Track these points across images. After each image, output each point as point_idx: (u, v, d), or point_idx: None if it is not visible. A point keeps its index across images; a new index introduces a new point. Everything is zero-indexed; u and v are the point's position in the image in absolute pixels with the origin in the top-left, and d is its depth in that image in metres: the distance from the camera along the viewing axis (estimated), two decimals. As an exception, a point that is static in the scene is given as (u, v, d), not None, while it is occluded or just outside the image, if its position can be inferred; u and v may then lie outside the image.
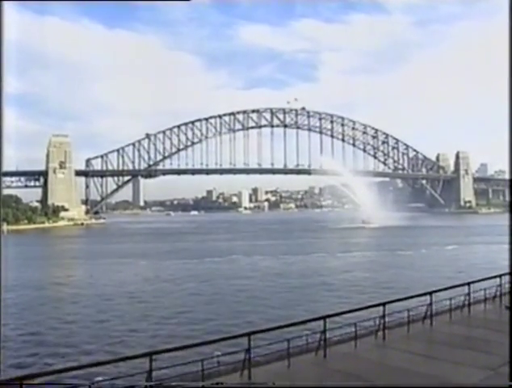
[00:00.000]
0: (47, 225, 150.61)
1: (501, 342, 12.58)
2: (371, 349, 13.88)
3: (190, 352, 11.89)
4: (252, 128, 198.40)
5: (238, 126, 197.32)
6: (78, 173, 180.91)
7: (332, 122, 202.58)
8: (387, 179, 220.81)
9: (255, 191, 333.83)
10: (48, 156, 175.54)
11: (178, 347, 12.07)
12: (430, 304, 16.16)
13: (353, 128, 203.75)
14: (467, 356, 13.30)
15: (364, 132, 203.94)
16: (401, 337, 14.87)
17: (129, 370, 11.28)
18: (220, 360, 11.99)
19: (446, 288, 17.94)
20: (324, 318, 13.08)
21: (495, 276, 19.41)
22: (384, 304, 14.74)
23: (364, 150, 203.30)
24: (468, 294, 17.89)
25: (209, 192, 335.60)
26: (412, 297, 16.33)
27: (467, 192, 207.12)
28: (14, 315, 30.69)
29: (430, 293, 16.28)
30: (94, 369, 11.84)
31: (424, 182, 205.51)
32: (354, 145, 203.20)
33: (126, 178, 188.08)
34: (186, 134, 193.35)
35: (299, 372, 11.96)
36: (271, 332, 12.50)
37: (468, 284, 18.00)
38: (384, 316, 14.56)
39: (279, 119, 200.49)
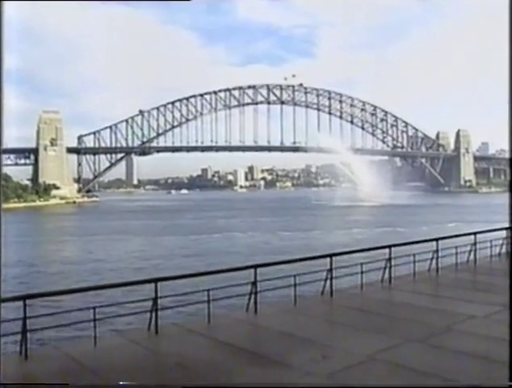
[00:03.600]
0: (38, 203, 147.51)
1: (507, 285, 11.90)
2: (378, 291, 14.20)
3: (197, 282, 12.18)
4: (248, 104, 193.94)
5: (234, 102, 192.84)
6: (70, 150, 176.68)
7: (330, 99, 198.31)
8: (385, 157, 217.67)
9: (251, 169, 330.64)
10: (38, 133, 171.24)
11: (184, 275, 12.19)
12: (437, 251, 16.24)
13: (351, 105, 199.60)
14: (475, 295, 13.57)
15: (363, 110, 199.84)
16: (407, 282, 15.18)
17: (134, 297, 11.26)
18: (226, 292, 11.96)
19: (452, 236, 18.22)
20: (330, 256, 13.26)
21: (501, 229, 19.67)
22: (389, 246, 14.96)
23: (362, 128, 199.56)
24: (474, 244, 18.05)
25: (204, 171, 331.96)
26: (418, 242, 16.62)
27: (467, 171, 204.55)
28: (6, 291, 28.57)
29: (436, 240, 16.39)
30: (99, 292, 11.82)
31: (423, 160, 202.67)
32: (352, 122, 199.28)
33: (119, 155, 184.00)
34: (180, 111, 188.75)
35: (305, 308, 12.18)
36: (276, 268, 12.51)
37: (475, 233, 18.18)
38: (390, 259, 14.72)
39: (275, 95, 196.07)
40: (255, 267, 11.56)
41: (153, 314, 9.98)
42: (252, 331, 11.09)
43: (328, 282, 13.07)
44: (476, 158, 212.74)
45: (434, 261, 16.31)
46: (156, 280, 10.05)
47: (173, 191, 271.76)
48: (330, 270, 13.07)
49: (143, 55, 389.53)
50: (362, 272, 13.93)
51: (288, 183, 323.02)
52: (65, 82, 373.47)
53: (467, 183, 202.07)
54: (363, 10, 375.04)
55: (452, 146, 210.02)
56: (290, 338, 9.82)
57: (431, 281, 15.49)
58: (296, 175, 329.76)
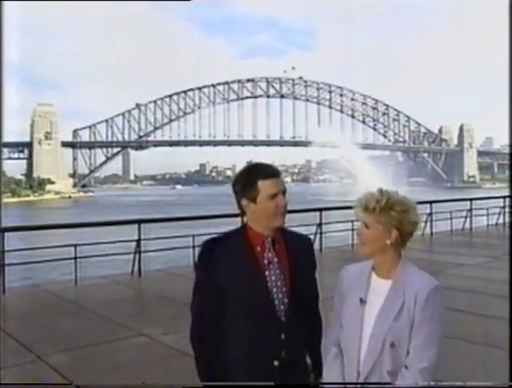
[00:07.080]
0: (32, 198, 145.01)
1: (502, 244, 13.04)
2: None
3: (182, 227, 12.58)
4: (247, 98, 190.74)
5: (233, 96, 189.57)
6: (65, 144, 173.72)
7: (330, 92, 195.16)
8: (387, 152, 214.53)
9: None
10: (32, 126, 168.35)
11: (169, 218, 13.04)
12: (430, 213, 16.36)
13: (352, 99, 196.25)
14: (468, 250, 14.07)
15: (364, 103, 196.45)
16: None
17: (117, 238, 11.27)
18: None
19: (447, 200, 18.66)
20: (320, 210, 13.91)
21: (498, 197, 19.76)
22: None
23: (363, 122, 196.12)
24: (470, 210, 17.95)
25: (202, 166, 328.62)
26: None
27: (470, 167, 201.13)
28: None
29: (430, 203, 16.57)
30: (81, 230, 12.73)
31: (425, 155, 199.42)
32: (353, 116, 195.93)
33: (115, 150, 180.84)
34: (178, 104, 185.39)
35: None
36: None
37: (471, 199, 18.21)
38: None
39: (275, 88, 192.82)
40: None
41: (137, 257, 10.15)
42: None
43: (318, 237, 13.11)
44: (479, 153, 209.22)
45: (428, 225, 16.34)
46: (139, 222, 10.16)
47: (176, 187, 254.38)
48: (320, 225, 13.36)
49: (140, 47, 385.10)
50: (352, 230, 13.70)
51: (288, 179, 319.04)
52: (60, 74, 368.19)
53: (471, 179, 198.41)
54: (364, 1, 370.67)
55: (455, 141, 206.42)
56: None
57: (424, 241, 15.65)
58: (296, 170, 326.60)
